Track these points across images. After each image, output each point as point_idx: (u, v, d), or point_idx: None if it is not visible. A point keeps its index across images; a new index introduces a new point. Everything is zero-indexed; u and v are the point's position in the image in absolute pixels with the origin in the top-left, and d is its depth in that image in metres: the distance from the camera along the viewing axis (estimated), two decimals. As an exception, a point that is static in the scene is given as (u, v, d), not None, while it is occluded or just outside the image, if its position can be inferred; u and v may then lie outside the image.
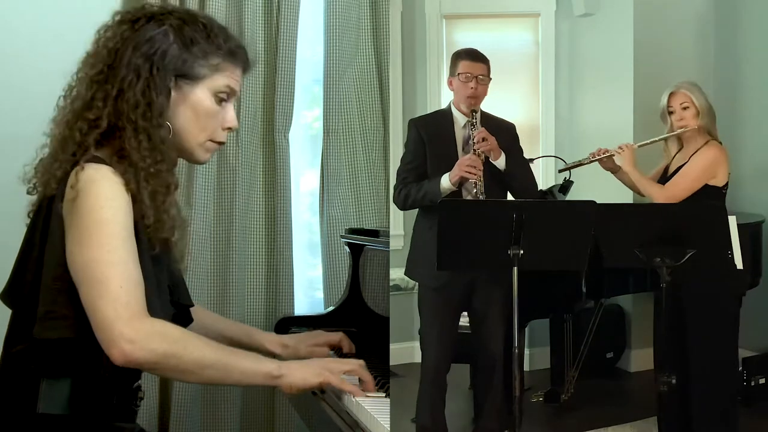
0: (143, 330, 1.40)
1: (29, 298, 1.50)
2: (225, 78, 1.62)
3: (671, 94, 2.83)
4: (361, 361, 1.74)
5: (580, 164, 3.00)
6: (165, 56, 1.55)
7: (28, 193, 1.62)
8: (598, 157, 2.92)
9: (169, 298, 1.63)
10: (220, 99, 1.63)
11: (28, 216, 1.62)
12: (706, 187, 2.75)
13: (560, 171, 3.14)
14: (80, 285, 1.42)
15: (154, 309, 1.47)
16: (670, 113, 2.84)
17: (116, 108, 1.53)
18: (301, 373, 1.60)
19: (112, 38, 1.57)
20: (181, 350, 1.44)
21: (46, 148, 1.61)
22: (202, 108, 1.61)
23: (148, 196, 1.50)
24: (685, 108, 2.80)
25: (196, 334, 1.53)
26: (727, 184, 2.79)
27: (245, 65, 1.68)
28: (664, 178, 2.89)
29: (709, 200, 2.72)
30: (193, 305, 1.76)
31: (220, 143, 1.67)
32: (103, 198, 1.44)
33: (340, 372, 1.66)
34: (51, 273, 1.47)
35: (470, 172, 2.55)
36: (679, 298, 2.65)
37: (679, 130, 2.82)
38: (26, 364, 1.50)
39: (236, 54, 1.64)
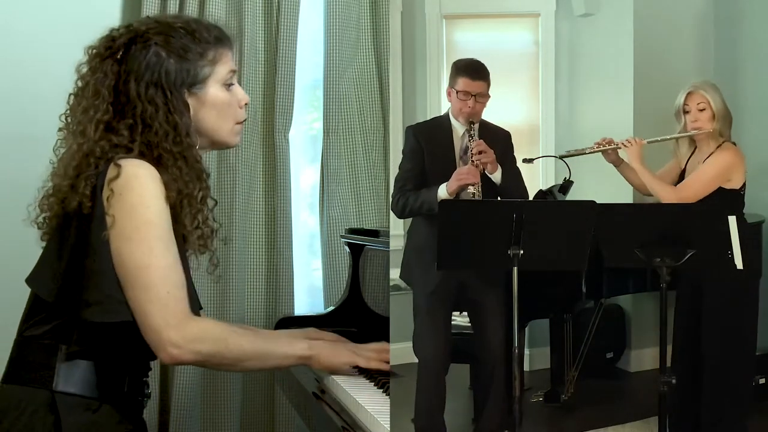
0: (189, 334, 1.50)
1: (64, 285, 1.52)
2: (224, 65, 1.68)
3: (689, 94, 2.75)
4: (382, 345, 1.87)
5: (582, 152, 2.94)
6: (169, 75, 1.59)
7: (38, 228, 1.63)
8: (602, 148, 2.86)
9: (195, 292, 1.68)
10: (228, 84, 1.70)
11: (42, 239, 1.64)
12: (722, 190, 2.69)
13: (560, 157, 3.08)
14: (128, 287, 1.49)
15: (193, 306, 1.57)
16: (686, 113, 2.76)
17: (147, 140, 1.56)
18: (329, 352, 1.74)
19: (103, 77, 1.58)
20: (223, 349, 1.56)
21: (48, 186, 1.61)
22: (219, 102, 1.68)
23: (190, 215, 1.58)
24: (701, 109, 2.72)
25: (235, 328, 1.65)
26: (744, 185, 2.73)
27: (231, 42, 1.73)
28: (680, 180, 2.81)
29: (727, 203, 2.64)
30: (202, 308, 1.80)
31: (244, 121, 1.76)
32: (148, 196, 1.50)
33: (367, 354, 1.79)
34: (105, 260, 1.48)
35: (468, 183, 2.55)
36: (699, 296, 2.65)
37: (692, 131, 2.75)
38: (44, 347, 1.54)
39: (222, 39, 1.70)
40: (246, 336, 1.64)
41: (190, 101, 1.63)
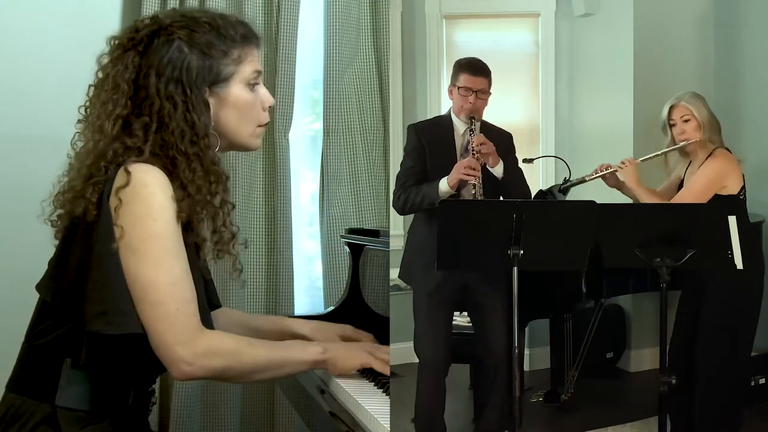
0: (200, 350, 1.47)
1: (70, 294, 1.49)
2: (249, 64, 1.63)
3: (672, 107, 2.76)
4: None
5: (582, 181, 2.96)
6: (191, 72, 1.54)
7: (52, 225, 1.60)
8: (600, 174, 2.87)
9: (206, 300, 1.64)
10: (253, 84, 1.64)
11: (56, 237, 1.60)
12: (719, 197, 2.67)
13: (561, 189, 3.10)
14: (138, 302, 1.45)
15: (204, 319, 1.53)
16: (672, 126, 2.77)
17: (162, 139, 1.52)
18: (344, 354, 1.71)
19: (124, 70, 1.53)
20: (236, 362, 1.53)
21: (63, 182, 1.58)
22: (242, 102, 1.62)
23: (206, 220, 1.54)
24: (686, 121, 2.73)
25: (247, 339, 1.59)
26: (743, 189, 2.71)
27: (258, 41, 1.68)
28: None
29: (726, 209, 2.64)
30: (221, 306, 1.79)
31: (266, 124, 1.70)
32: (156, 207, 1.45)
33: (384, 357, 1.76)
34: (111, 272, 1.45)
35: (468, 174, 2.55)
36: (700, 296, 2.64)
37: (681, 144, 2.75)
38: (50, 358, 1.51)
39: (249, 37, 1.64)
40: (258, 346, 1.58)
41: (211, 100, 1.58)
